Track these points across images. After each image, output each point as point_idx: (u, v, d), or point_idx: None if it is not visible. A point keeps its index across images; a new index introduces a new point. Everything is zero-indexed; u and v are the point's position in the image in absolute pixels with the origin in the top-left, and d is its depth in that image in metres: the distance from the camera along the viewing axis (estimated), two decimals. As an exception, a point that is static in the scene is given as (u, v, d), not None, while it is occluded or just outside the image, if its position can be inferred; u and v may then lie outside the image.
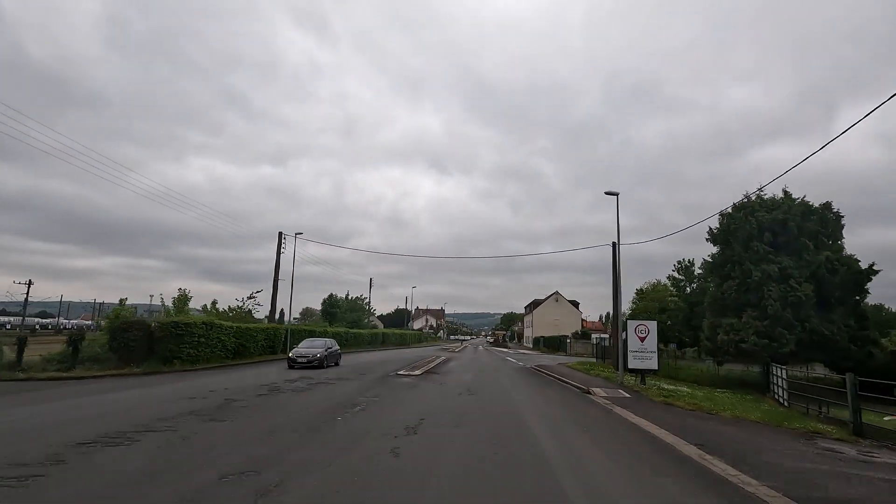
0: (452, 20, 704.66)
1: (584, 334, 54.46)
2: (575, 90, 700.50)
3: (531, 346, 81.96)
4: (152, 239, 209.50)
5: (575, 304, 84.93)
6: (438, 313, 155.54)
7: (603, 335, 50.97)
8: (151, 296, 67.24)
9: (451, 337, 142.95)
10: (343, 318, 66.14)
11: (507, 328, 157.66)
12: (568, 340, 51.04)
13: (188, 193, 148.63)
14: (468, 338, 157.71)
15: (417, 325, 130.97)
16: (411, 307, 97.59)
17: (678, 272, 51.89)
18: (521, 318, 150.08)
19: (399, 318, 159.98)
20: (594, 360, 35.93)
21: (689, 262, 48.58)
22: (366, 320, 75.04)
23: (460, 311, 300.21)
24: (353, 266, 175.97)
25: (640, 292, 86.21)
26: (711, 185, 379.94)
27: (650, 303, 54.98)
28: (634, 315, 55.18)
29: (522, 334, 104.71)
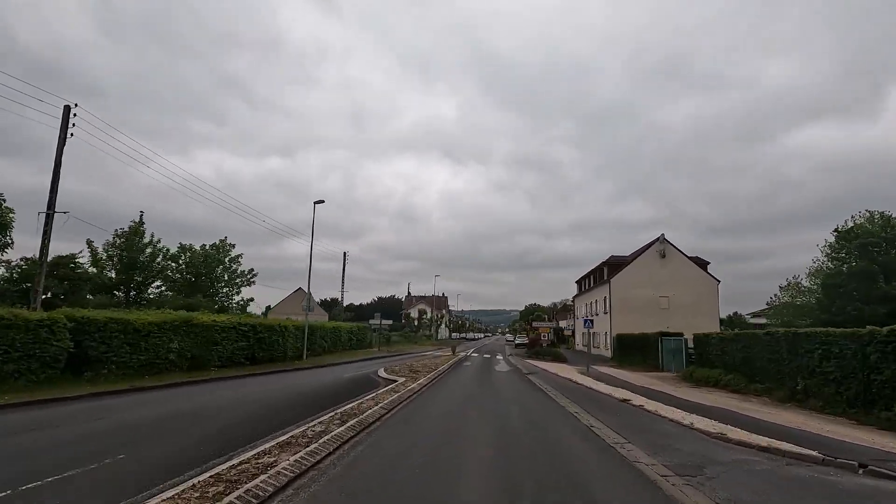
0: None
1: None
2: (596, 69, 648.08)
3: (609, 354, 37.76)
4: (162, 236, 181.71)
5: (702, 263, 40.05)
6: (439, 301, 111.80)
7: None
8: None
9: (455, 335, 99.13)
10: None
11: (528, 323, 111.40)
12: None
13: (196, 189, 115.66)
14: (479, 336, 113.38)
15: (414, 314, 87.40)
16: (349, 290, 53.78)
17: None
18: (547, 312, 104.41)
19: (387, 308, 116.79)
20: None
21: None
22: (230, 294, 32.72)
23: (475, 308, 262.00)
24: (366, 263, 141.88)
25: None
26: (742, 172, 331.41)
27: None
28: None
29: (571, 332, 60.16)
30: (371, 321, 35.68)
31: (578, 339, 56.01)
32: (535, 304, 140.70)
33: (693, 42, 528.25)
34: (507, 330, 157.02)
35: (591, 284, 47.70)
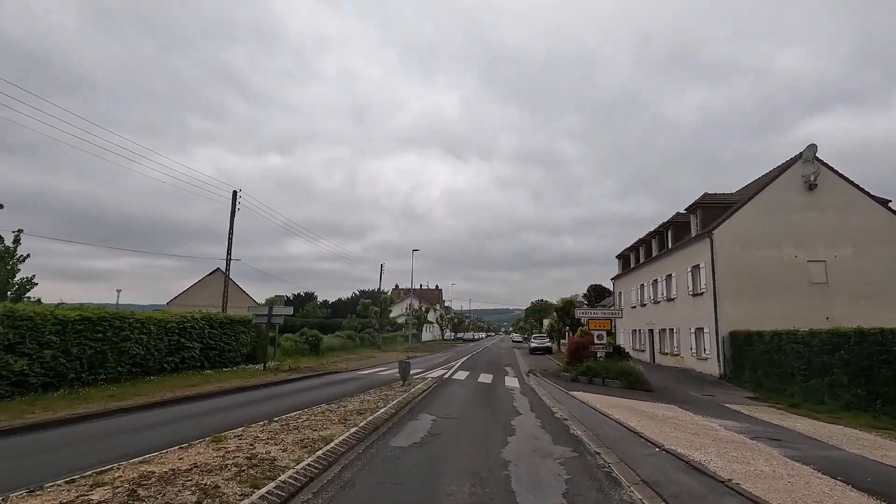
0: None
1: None
2: (602, 61, 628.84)
3: (718, 370, 19.92)
4: (164, 237, 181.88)
5: (880, 200, 21.89)
6: (432, 295, 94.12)
7: None
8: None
9: (453, 335, 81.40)
10: None
11: (538, 321, 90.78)
12: None
13: (196, 187, 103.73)
14: (480, 335, 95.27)
15: (397, 310, 69.85)
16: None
17: None
18: (561, 302, 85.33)
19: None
20: None
21: None
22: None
23: (477, 307, 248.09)
24: (370, 262, 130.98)
25: None
26: (751, 165, 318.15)
27: None
28: None
29: (609, 327, 41.78)
30: (250, 308, 17.79)
31: (622, 339, 38.03)
32: (542, 301, 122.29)
33: (702, 30, 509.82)
34: (511, 329, 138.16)
35: (652, 253, 29.69)
